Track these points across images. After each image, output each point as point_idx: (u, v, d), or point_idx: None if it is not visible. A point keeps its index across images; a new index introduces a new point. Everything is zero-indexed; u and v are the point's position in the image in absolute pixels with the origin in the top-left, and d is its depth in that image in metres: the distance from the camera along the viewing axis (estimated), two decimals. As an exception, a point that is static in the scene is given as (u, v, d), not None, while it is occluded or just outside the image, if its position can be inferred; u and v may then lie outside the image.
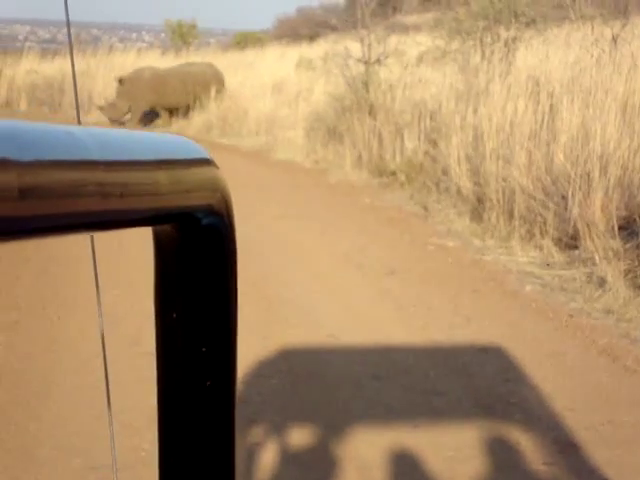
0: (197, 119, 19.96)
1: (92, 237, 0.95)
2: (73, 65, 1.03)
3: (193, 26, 33.50)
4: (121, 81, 20.38)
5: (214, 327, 0.78)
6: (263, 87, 20.22)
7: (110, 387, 1.01)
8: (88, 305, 6.64)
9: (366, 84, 14.03)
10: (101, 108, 20.53)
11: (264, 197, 12.00)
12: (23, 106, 23.86)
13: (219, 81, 20.91)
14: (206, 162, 0.74)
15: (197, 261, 0.76)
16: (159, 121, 20.91)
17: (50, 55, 27.43)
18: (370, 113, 13.70)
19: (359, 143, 13.66)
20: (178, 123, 20.63)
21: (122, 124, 19.95)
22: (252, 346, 6.15)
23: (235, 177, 13.53)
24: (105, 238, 8.59)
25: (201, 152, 0.74)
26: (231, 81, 21.67)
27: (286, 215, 10.82)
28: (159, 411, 0.80)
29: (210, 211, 0.74)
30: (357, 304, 7.30)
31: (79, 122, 0.99)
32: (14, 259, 8.20)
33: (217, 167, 0.75)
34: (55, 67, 24.98)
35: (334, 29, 21.96)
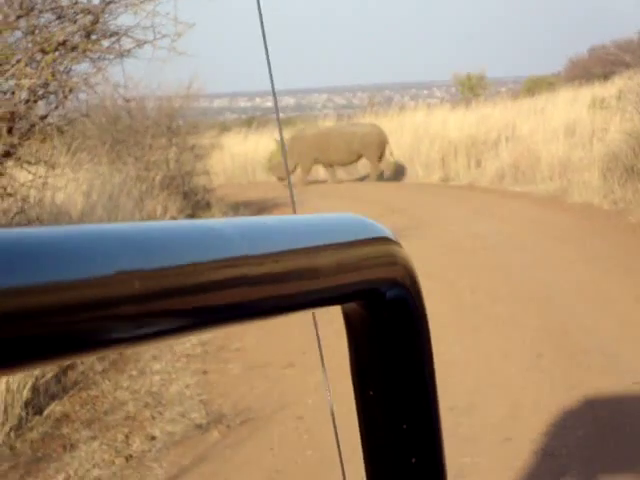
0: (490, 168, 19.94)
1: (314, 315, 0.97)
2: (282, 137, 1.07)
3: (482, 77, 33.59)
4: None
5: (412, 403, 0.77)
6: (555, 131, 19.90)
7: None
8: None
9: (664, 118, 13.45)
10: (270, 168, 21.63)
11: (558, 242, 11.74)
12: (321, 170, 24.80)
13: (382, 142, 21.57)
14: (382, 238, 0.75)
15: (387, 335, 0.76)
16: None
17: (345, 119, 28.51)
18: (671, 147, 13.11)
19: (660, 180, 13.09)
20: (471, 174, 20.71)
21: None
22: (555, 396, 6.01)
23: (527, 224, 13.33)
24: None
25: (376, 229, 0.75)
26: (522, 128, 21.49)
27: (581, 259, 10.51)
28: None
29: (393, 284, 0.75)
30: (665, 349, 6.94)
31: (293, 200, 1.03)
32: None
33: (395, 241, 0.76)
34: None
35: (628, 66, 21.31)
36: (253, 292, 0.60)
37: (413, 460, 0.77)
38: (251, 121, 33.73)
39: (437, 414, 0.79)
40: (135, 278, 0.51)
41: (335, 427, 0.96)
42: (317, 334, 0.97)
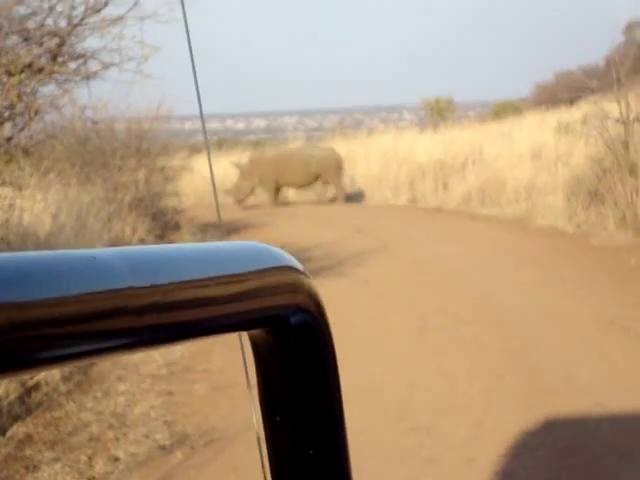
0: (457, 191, 20.08)
1: (240, 337, 0.98)
2: (210, 161, 1.10)
3: (450, 101, 33.80)
4: (238, 165, 22.03)
5: (319, 429, 0.77)
6: (521, 155, 20.07)
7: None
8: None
9: (626, 144, 13.63)
10: (227, 191, 21.78)
11: (522, 265, 11.84)
12: (290, 194, 24.81)
13: (339, 165, 22.17)
14: (285, 267, 0.76)
15: (293, 361, 0.77)
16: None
17: (315, 141, 28.59)
18: (632, 172, 13.28)
19: (622, 203, 13.25)
20: (438, 196, 20.84)
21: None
22: (516, 417, 6.05)
23: (493, 247, 13.43)
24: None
25: (279, 257, 0.76)
26: (489, 151, 21.66)
27: (544, 281, 10.61)
28: None
29: (297, 310, 0.75)
30: (625, 370, 7.02)
31: (219, 219, 1.06)
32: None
33: (298, 269, 0.77)
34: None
35: (594, 91, 21.55)
36: (137, 322, 0.60)
37: None
38: (222, 143, 33.72)
39: (344, 439, 0.78)
40: (2, 309, 0.51)
41: (260, 451, 0.95)
42: (243, 355, 0.97)
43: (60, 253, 0.59)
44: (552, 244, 13.43)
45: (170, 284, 0.63)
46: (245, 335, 0.77)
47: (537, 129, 23.16)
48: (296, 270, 0.77)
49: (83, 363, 0.61)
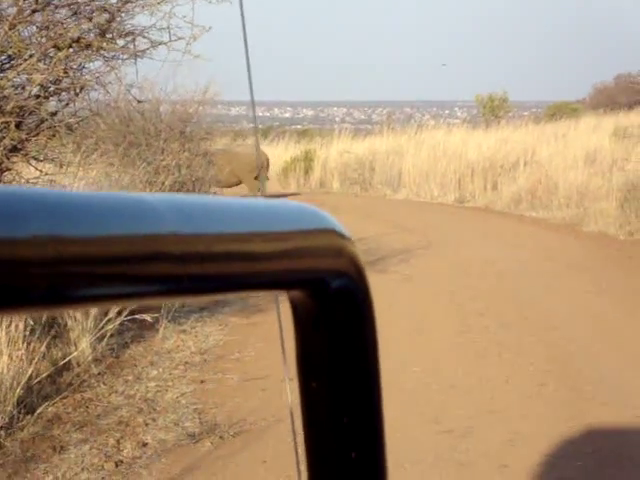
0: (506, 192, 19.79)
1: (277, 298, 0.96)
2: (258, 146, 1.09)
3: (504, 99, 33.50)
4: None
5: (354, 397, 0.76)
6: (575, 158, 19.76)
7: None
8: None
9: (683, 149, 13.35)
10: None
11: (570, 270, 11.62)
12: (335, 186, 24.69)
13: (255, 165, 21.82)
14: (329, 230, 0.75)
15: (331, 325, 0.76)
16: None
17: (362, 135, 28.33)
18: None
19: (676, 212, 12.98)
20: (487, 196, 20.56)
21: None
22: (555, 425, 5.93)
23: (540, 251, 13.21)
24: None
25: (324, 220, 0.75)
26: (541, 153, 21.36)
27: (592, 289, 10.40)
28: None
29: (338, 275, 0.74)
30: (671, 383, 6.82)
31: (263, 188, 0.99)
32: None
33: (343, 233, 0.76)
34: (366, 146, 25.73)
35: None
36: (178, 269, 0.60)
37: (353, 455, 0.77)
38: (267, 131, 33.68)
39: (380, 409, 0.77)
40: (50, 242, 0.52)
41: (293, 424, 0.92)
42: (278, 316, 0.95)
43: (108, 194, 0.60)
44: (603, 251, 13.16)
45: (214, 235, 0.64)
46: (285, 296, 0.76)
47: (593, 132, 22.85)
48: (340, 234, 0.76)
49: (121, 305, 0.62)
